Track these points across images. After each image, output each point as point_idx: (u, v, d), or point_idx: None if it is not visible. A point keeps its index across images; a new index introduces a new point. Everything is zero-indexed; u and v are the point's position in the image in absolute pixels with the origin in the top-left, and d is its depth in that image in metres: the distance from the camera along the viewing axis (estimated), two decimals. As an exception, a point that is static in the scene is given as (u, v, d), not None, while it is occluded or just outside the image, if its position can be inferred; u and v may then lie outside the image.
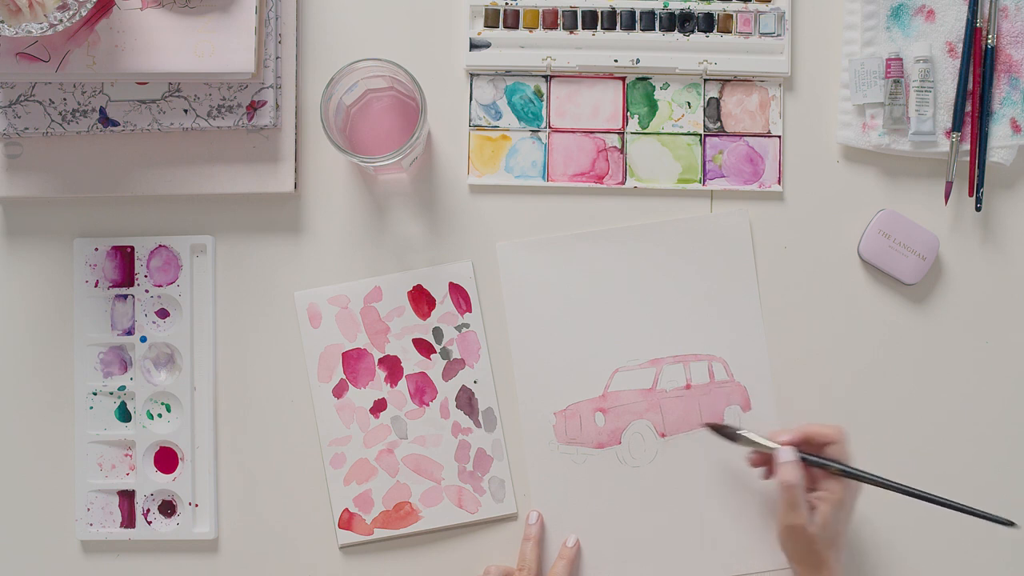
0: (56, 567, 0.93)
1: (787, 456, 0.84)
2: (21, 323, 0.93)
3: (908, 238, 0.92)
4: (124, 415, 0.93)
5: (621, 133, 0.94)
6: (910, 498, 0.83)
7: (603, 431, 0.92)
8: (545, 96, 0.94)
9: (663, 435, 0.92)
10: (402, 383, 0.92)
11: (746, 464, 0.89)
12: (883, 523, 0.92)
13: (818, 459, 0.84)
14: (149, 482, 0.92)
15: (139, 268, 0.93)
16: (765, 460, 0.87)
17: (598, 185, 0.94)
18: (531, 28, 0.94)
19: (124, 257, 0.93)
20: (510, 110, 0.94)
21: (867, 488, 0.85)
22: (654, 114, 0.94)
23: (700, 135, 0.94)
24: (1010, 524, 0.80)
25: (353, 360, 0.93)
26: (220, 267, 0.94)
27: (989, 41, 0.91)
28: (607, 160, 0.94)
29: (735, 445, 0.87)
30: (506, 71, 0.94)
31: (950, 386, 0.93)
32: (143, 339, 0.92)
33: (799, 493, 0.82)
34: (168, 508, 0.92)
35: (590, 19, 0.94)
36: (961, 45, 0.92)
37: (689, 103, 0.94)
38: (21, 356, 0.93)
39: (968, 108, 0.92)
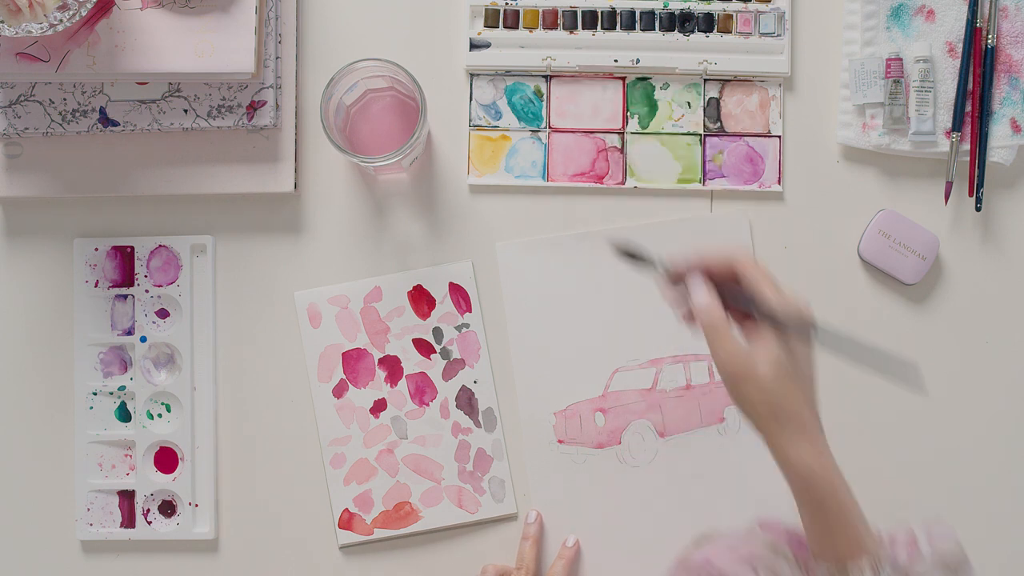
0: (56, 567, 0.93)
1: (695, 281, 0.68)
2: (21, 323, 0.93)
3: (908, 238, 0.92)
4: (124, 415, 0.93)
5: (621, 133, 0.94)
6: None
7: (603, 431, 0.92)
8: (545, 96, 0.94)
9: (663, 435, 0.92)
10: (402, 383, 0.92)
11: (683, 324, 0.72)
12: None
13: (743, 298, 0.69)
14: (149, 482, 0.92)
15: (139, 268, 0.93)
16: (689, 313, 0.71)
17: (598, 185, 0.94)
18: (531, 28, 0.93)
19: (124, 257, 0.93)
20: (510, 110, 0.94)
21: None
22: (654, 114, 0.94)
23: (700, 135, 0.94)
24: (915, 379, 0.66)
25: (353, 360, 0.93)
26: (220, 267, 0.94)
27: (989, 41, 0.91)
28: (607, 160, 0.94)
29: (644, 271, 0.72)
30: (506, 71, 0.94)
31: (950, 386, 0.93)
32: (143, 339, 0.92)
33: (719, 315, 0.66)
34: (168, 508, 0.92)
35: (590, 19, 0.94)
36: (961, 45, 0.92)
37: (689, 103, 0.94)
38: (21, 356, 0.93)
39: (968, 108, 0.92)
